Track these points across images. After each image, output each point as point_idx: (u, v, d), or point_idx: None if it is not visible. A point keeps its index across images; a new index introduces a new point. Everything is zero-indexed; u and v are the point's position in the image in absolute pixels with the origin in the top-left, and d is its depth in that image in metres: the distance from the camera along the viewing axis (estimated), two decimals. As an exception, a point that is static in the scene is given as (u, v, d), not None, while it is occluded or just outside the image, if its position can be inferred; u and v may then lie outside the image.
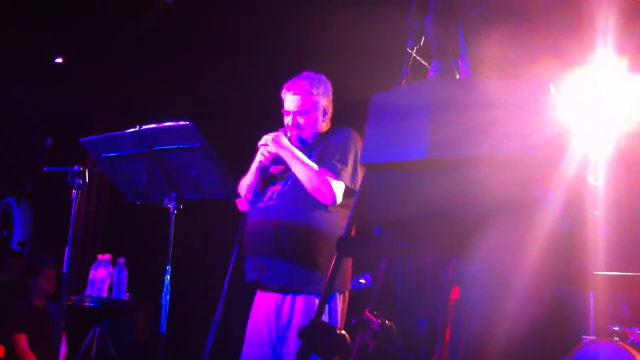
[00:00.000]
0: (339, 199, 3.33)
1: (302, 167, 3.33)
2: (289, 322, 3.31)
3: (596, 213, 4.13)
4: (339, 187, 3.34)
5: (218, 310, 3.21)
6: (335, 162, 3.38)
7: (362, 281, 4.98)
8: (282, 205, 3.39)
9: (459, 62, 2.50)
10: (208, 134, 2.97)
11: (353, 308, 4.43)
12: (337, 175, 3.34)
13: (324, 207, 3.36)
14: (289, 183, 3.44)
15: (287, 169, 3.44)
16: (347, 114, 3.82)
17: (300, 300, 3.31)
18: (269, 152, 3.44)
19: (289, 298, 3.33)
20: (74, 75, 7.04)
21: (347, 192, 3.39)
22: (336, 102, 3.69)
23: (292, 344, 3.28)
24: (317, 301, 3.30)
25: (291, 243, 3.31)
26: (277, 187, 3.48)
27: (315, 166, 3.34)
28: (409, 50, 2.56)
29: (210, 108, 6.49)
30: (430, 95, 2.22)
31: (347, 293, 3.42)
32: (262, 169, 3.50)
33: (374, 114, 2.30)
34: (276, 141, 3.43)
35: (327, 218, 3.36)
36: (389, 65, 3.90)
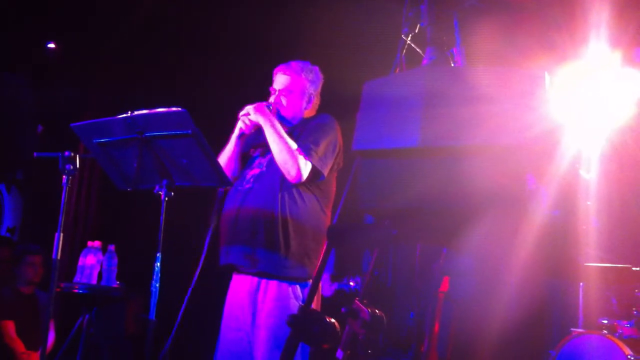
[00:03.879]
0: (304, 177, 3.33)
1: (277, 138, 3.34)
2: (262, 309, 3.33)
3: (588, 203, 4.14)
4: (306, 166, 3.34)
5: (189, 290, 3.21)
6: (307, 143, 3.39)
7: (352, 284, 4.99)
8: (258, 191, 3.40)
9: (454, 51, 2.50)
10: (200, 126, 2.95)
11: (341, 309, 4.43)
12: (307, 155, 3.35)
13: (299, 194, 3.37)
14: (266, 166, 3.45)
15: (266, 152, 3.44)
16: (337, 105, 3.81)
17: (272, 287, 3.33)
18: (250, 121, 3.45)
19: (262, 283, 3.35)
20: (66, 61, 7.00)
21: (315, 176, 3.39)
22: (327, 94, 3.68)
23: (263, 333, 3.29)
24: (290, 289, 3.33)
25: (265, 229, 3.33)
26: (254, 171, 3.49)
27: (290, 141, 3.36)
28: (404, 37, 2.55)
29: (203, 99, 6.46)
30: (424, 83, 2.22)
31: None
32: (241, 136, 3.51)
33: (366, 101, 2.30)
34: (258, 109, 3.44)
35: (303, 205, 3.38)
36: (378, 57, 3.90)
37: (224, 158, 3.50)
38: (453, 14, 2.53)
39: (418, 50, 2.56)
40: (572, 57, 4.24)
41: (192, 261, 3.40)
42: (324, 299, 4.28)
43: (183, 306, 3.19)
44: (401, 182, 2.34)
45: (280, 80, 3.56)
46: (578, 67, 4.28)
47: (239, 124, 3.50)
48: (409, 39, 2.57)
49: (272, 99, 3.55)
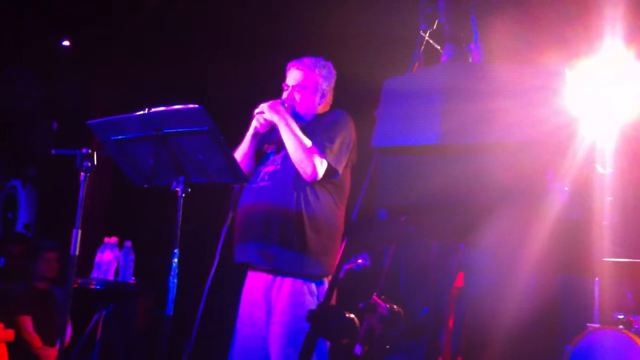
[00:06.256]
0: (320, 175, 3.33)
1: (292, 137, 3.33)
2: (276, 306, 3.34)
3: (609, 199, 4.14)
4: (321, 165, 3.34)
5: (206, 288, 3.23)
6: (322, 140, 3.38)
7: (360, 261, 4.99)
8: (273, 188, 3.40)
9: (472, 46, 2.50)
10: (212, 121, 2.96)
11: (352, 288, 4.44)
12: (322, 153, 3.34)
13: (313, 191, 3.37)
14: (280, 163, 3.45)
15: (280, 149, 3.44)
16: (353, 101, 3.81)
17: (287, 284, 3.34)
18: (264, 119, 3.44)
19: (277, 280, 3.36)
20: (79, 59, 7.03)
21: (330, 173, 3.39)
22: (344, 90, 3.68)
23: (277, 328, 3.31)
24: (305, 286, 3.33)
25: (280, 226, 3.33)
26: (269, 168, 3.48)
27: (305, 139, 3.34)
28: (422, 34, 2.56)
29: (214, 95, 6.47)
30: (443, 80, 2.23)
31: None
32: (256, 135, 3.51)
33: (386, 99, 2.31)
34: (272, 107, 3.43)
35: (317, 202, 3.38)
36: (396, 53, 3.90)
37: (238, 155, 3.49)
38: (470, 9, 2.54)
39: (436, 46, 2.57)
40: (586, 52, 4.23)
41: (206, 257, 3.42)
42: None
43: (201, 305, 3.21)
44: (419, 179, 2.35)
45: (293, 76, 3.55)
46: (592, 62, 4.28)
47: (254, 123, 3.49)
48: (427, 35, 2.57)
49: (285, 95, 3.54)
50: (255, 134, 3.50)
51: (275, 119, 3.39)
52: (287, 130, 3.34)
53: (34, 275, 5.57)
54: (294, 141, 3.32)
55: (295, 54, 3.66)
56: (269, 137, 3.57)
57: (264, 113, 3.42)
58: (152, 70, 6.86)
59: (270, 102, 3.46)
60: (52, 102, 7.03)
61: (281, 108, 3.42)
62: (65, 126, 6.96)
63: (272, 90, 3.65)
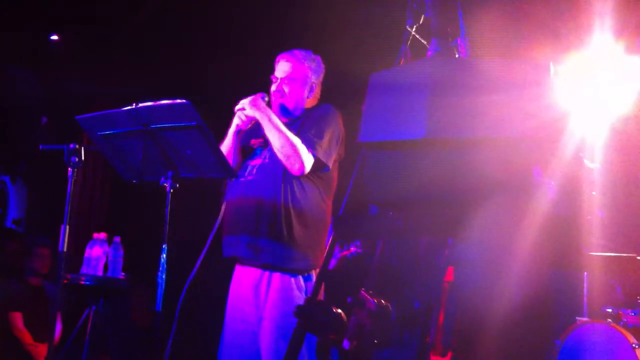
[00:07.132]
0: (307, 170, 3.31)
1: (276, 133, 3.30)
2: (265, 301, 3.33)
3: (593, 193, 4.15)
4: (309, 159, 3.31)
5: (187, 281, 3.22)
6: (310, 135, 3.36)
7: (353, 249, 5.02)
8: (261, 182, 3.38)
9: (458, 41, 2.50)
10: (207, 117, 2.95)
11: (346, 275, 4.43)
12: (310, 147, 3.32)
13: (301, 185, 3.36)
14: (267, 157, 3.43)
15: (267, 142, 3.42)
16: (341, 95, 3.80)
17: (276, 279, 3.33)
18: (245, 116, 3.42)
19: (266, 275, 3.35)
20: (71, 53, 7.00)
21: (319, 167, 3.38)
22: (332, 83, 3.68)
23: (267, 324, 3.31)
24: (292, 281, 3.32)
25: (269, 220, 3.31)
26: (256, 162, 3.47)
27: (289, 134, 3.31)
28: (408, 29, 2.55)
29: (209, 90, 6.46)
30: (430, 75, 2.22)
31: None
32: (239, 132, 3.49)
33: (372, 93, 2.30)
34: (253, 103, 3.38)
35: (305, 196, 3.36)
36: (384, 46, 3.90)
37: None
38: (457, 4, 2.53)
39: (423, 41, 2.56)
40: (576, 46, 4.23)
41: (198, 252, 3.41)
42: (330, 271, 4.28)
43: (181, 296, 3.20)
44: (407, 174, 2.35)
45: (282, 68, 3.52)
46: (582, 56, 4.28)
47: (235, 120, 3.45)
48: (414, 30, 2.57)
49: (273, 87, 3.53)
50: (238, 131, 3.48)
51: (257, 115, 3.35)
52: (271, 127, 3.31)
53: (26, 271, 5.56)
54: (278, 137, 3.29)
55: (284, 48, 3.64)
56: (256, 133, 3.54)
57: (245, 110, 3.39)
58: (152, 70, 6.84)
59: (251, 97, 3.41)
60: (51, 101, 7.03)
61: (262, 103, 3.37)
62: (66, 125, 6.96)
63: (266, 83, 3.63)
